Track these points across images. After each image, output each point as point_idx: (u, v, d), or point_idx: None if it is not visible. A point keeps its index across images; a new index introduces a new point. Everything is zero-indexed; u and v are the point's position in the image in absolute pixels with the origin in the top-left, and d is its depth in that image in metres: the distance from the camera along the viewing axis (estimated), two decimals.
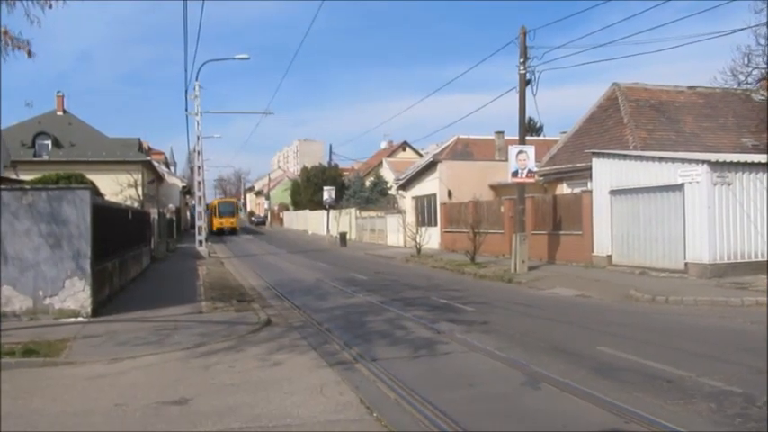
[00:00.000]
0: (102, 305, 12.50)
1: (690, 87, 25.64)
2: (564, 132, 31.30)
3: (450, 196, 30.65)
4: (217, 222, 57.00)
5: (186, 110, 32.52)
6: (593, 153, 19.98)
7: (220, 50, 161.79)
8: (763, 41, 20.97)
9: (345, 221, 46.23)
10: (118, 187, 31.04)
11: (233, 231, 58.03)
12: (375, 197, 49.03)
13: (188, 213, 66.94)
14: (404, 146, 67.74)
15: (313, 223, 56.88)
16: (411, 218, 33.89)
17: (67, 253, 11.29)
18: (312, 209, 58.51)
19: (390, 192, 47.15)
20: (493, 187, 29.81)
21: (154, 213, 28.37)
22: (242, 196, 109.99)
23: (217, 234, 53.80)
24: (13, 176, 20.51)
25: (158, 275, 20.58)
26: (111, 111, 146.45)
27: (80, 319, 11.20)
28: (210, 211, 56.28)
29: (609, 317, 11.44)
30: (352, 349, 8.94)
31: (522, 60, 19.01)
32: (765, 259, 15.66)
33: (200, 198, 33.50)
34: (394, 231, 36.19)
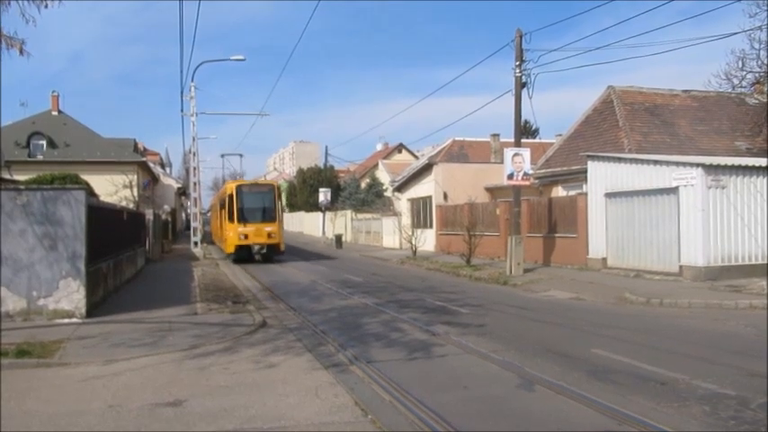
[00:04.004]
0: (97, 306, 12.46)
1: (684, 91, 25.77)
2: (559, 135, 31.41)
3: (445, 198, 30.69)
4: (236, 234, 26.27)
5: (182, 110, 32.46)
6: (589, 156, 20.04)
7: (215, 51, 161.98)
8: (757, 45, 21.10)
9: (341, 223, 46.22)
10: (113, 188, 30.97)
11: (272, 253, 26.97)
12: (371, 199, 49.05)
13: (183, 214, 66.58)
14: (399, 148, 67.92)
15: (308, 225, 56.80)
16: (407, 220, 33.89)
17: (62, 254, 11.25)
18: (308, 210, 58.46)
19: (386, 194, 47.17)
20: (488, 189, 29.87)
21: (149, 214, 28.29)
22: None
23: (237, 259, 26.67)
24: (8, 176, 20.46)
25: (153, 277, 20.52)
26: (106, 111, 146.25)
27: (74, 320, 11.15)
28: (221, 208, 30.55)
29: (603, 319, 11.47)
30: (347, 351, 8.93)
31: (517, 63, 19.06)
32: (759, 262, 15.74)
33: (195, 199, 33.44)
34: (389, 233, 36.19)
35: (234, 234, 26.40)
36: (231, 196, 26.90)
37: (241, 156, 43.87)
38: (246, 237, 26.19)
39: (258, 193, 27.69)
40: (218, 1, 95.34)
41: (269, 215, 27.06)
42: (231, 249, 26.76)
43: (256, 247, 26.40)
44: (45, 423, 5.89)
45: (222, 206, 29.38)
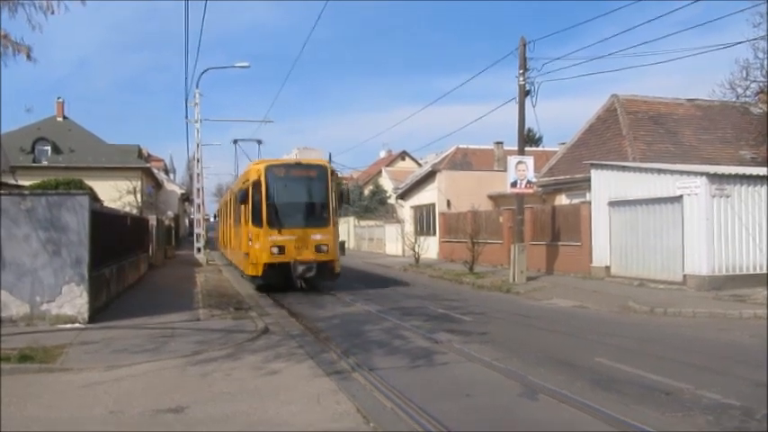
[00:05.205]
0: (99, 312, 12.45)
1: (689, 100, 25.79)
2: (563, 143, 31.40)
3: (448, 206, 30.69)
4: (266, 246, 16.52)
5: (186, 117, 32.55)
6: (592, 164, 20.03)
7: (219, 58, 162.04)
8: (761, 55, 21.09)
9: (344, 230, 46.16)
10: (117, 193, 31.13)
11: (321, 277, 17.26)
12: (374, 206, 49.06)
13: (186, 221, 66.65)
14: (403, 155, 67.87)
15: None
16: (410, 227, 33.90)
17: (66, 259, 11.26)
18: None
19: (389, 201, 47.21)
20: (492, 197, 29.87)
21: (152, 220, 28.35)
22: None
23: (266, 285, 17.13)
24: (12, 182, 20.55)
25: (156, 282, 20.52)
26: (110, 117, 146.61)
27: (77, 325, 11.15)
28: (240, 203, 18.22)
29: (607, 328, 11.42)
30: (349, 358, 8.90)
31: (521, 71, 19.09)
32: (763, 272, 15.67)
33: (199, 205, 33.49)
34: (392, 240, 36.20)
35: (262, 246, 16.69)
36: (258, 184, 16.97)
37: (259, 142, 33.26)
38: (283, 250, 16.63)
39: (302, 180, 17.58)
40: (224, 2, 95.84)
41: (319, 215, 17.44)
42: (257, 270, 16.93)
43: (300, 268, 16.59)
44: (45, 427, 5.88)
45: (243, 200, 17.80)
